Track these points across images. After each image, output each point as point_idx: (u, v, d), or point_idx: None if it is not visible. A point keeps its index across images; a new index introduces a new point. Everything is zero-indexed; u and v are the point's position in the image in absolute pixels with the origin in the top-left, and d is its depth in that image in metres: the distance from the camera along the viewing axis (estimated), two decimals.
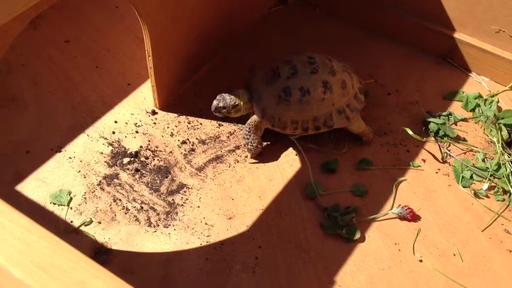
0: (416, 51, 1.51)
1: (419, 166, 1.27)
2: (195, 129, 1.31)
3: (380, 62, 1.49)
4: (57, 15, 1.54)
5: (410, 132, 1.25)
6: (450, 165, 1.27)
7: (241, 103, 1.22)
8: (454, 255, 1.12)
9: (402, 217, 1.16)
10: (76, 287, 0.49)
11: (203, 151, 1.27)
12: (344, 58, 1.48)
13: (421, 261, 1.11)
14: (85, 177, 1.20)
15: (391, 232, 1.15)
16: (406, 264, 1.10)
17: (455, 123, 1.35)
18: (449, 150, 1.29)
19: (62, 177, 1.19)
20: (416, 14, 1.47)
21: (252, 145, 1.23)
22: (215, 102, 1.23)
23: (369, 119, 1.34)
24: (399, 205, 1.18)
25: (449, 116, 1.36)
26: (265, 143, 1.28)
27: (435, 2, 1.43)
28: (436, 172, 1.26)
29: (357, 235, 1.12)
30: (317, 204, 1.18)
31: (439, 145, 1.30)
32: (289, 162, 1.26)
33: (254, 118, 1.23)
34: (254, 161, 1.25)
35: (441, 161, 1.28)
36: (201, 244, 1.11)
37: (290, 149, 1.28)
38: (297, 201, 1.19)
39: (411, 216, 1.16)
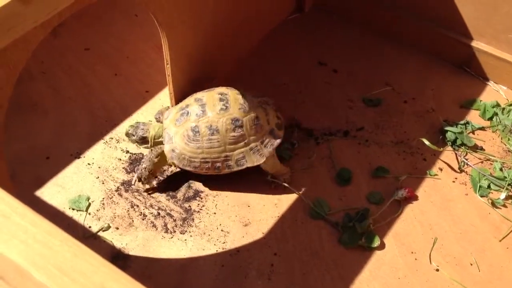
0: (434, 59, 1.51)
1: (436, 175, 1.26)
2: None
3: (397, 70, 1.49)
4: (77, 23, 1.56)
5: (427, 143, 1.25)
6: (467, 174, 1.26)
7: (151, 137, 1.21)
8: (471, 264, 1.11)
9: (403, 199, 1.19)
10: None
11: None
12: (360, 65, 1.49)
13: (437, 270, 1.10)
14: (103, 183, 1.21)
15: (407, 241, 1.14)
16: (423, 273, 1.10)
17: (473, 132, 1.34)
18: (466, 159, 1.28)
19: (81, 183, 1.21)
20: (433, 22, 1.47)
21: (142, 174, 1.19)
22: (127, 128, 1.23)
23: (385, 127, 1.35)
24: (398, 188, 1.20)
25: (467, 124, 1.35)
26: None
27: (453, 10, 1.43)
28: (453, 181, 1.25)
29: (377, 242, 1.12)
30: (327, 221, 1.17)
31: (456, 154, 1.30)
32: (305, 169, 1.26)
33: (158, 151, 1.19)
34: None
35: (458, 170, 1.27)
36: (217, 250, 1.12)
37: (307, 157, 1.28)
38: (313, 209, 1.19)
39: (411, 196, 1.19)
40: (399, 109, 1.40)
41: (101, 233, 1.13)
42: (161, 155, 1.19)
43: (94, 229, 1.14)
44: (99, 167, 1.24)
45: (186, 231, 1.14)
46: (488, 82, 1.47)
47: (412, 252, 1.13)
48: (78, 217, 1.15)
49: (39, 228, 0.54)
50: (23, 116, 1.34)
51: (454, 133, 1.32)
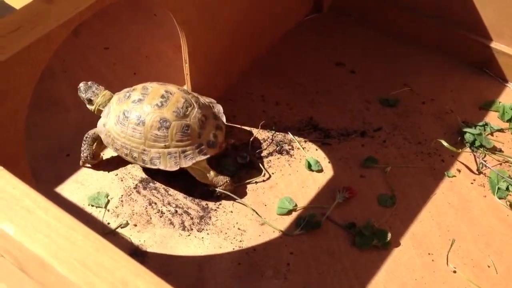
0: (452, 60, 1.50)
1: (454, 176, 1.25)
2: (228, 135, 1.33)
3: (415, 71, 1.48)
4: (97, 23, 1.58)
5: (445, 144, 1.24)
6: (485, 176, 1.25)
7: (97, 103, 1.22)
8: (489, 266, 1.11)
9: (345, 199, 1.19)
10: (118, 285, 0.51)
11: (236, 157, 1.28)
12: (378, 66, 1.49)
13: (455, 272, 1.10)
14: (122, 180, 1.23)
15: (424, 242, 1.14)
16: (440, 274, 1.09)
17: (491, 134, 1.33)
18: (485, 161, 1.27)
19: (100, 180, 1.23)
20: (453, 23, 1.47)
21: (83, 154, 1.22)
22: (81, 84, 1.24)
23: (402, 128, 1.34)
24: (339, 190, 1.20)
25: (485, 126, 1.34)
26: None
27: (472, 11, 1.42)
28: (472, 183, 1.24)
29: (389, 237, 1.12)
30: (335, 222, 1.17)
31: (474, 156, 1.29)
32: (322, 171, 1.26)
33: (94, 130, 1.21)
34: (288, 168, 1.26)
35: (476, 172, 1.26)
36: (233, 249, 1.12)
37: (324, 156, 1.29)
38: (329, 209, 1.19)
39: (351, 194, 1.19)
40: (417, 110, 1.39)
41: (119, 230, 1.14)
42: (98, 139, 1.21)
43: (113, 225, 1.15)
44: (118, 164, 1.26)
45: (203, 229, 1.15)
46: (507, 83, 1.45)
47: (429, 253, 1.12)
48: (97, 213, 1.17)
49: (62, 222, 0.55)
50: (44, 114, 1.35)
51: (473, 134, 1.31)
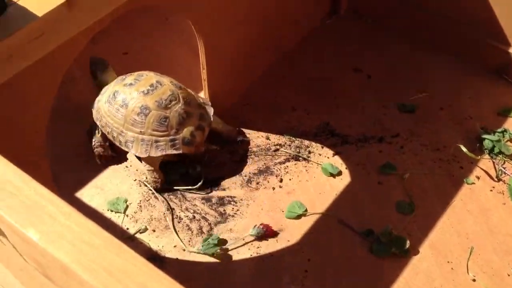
0: (471, 66, 1.49)
1: (473, 183, 1.24)
2: (214, 139, 1.32)
3: (433, 76, 1.47)
4: (115, 28, 1.60)
5: (464, 149, 1.24)
6: (505, 183, 1.24)
7: (100, 80, 1.29)
8: (509, 275, 1.09)
9: (261, 237, 1.14)
10: None
11: (253, 163, 1.29)
12: (395, 71, 1.48)
13: (474, 280, 1.09)
14: (140, 186, 1.24)
15: (443, 250, 1.13)
16: (459, 283, 1.08)
17: (510, 140, 1.32)
18: (504, 168, 1.26)
19: (119, 185, 1.24)
20: (471, 28, 1.45)
21: (94, 146, 1.26)
22: (92, 57, 1.31)
23: (420, 134, 1.34)
24: (255, 225, 1.15)
25: (504, 132, 1.33)
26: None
27: (490, 16, 1.41)
28: (491, 190, 1.23)
29: (407, 244, 1.11)
30: (352, 228, 1.17)
31: (493, 163, 1.28)
32: (340, 177, 1.26)
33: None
34: (305, 174, 1.26)
35: (495, 179, 1.25)
36: (251, 255, 1.12)
37: (341, 162, 1.28)
38: (346, 215, 1.19)
39: (269, 233, 1.15)
40: (435, 116, 1.38)
41: (138, 235, 1.15)
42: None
43: (132, 231, 1.16)
44: (137, 170, 1.27)
45: (221, 235, 1.15)
46: None
47: (448, 262, 1.11)
48: (116, 218, 1.18)
49: (84, 228, 0.56)
50: (64, 119, 1.37)
51: (492, 141, 1.30)
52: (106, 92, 1.23)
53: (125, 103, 1.18)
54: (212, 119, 1.25)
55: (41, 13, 0.81)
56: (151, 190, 1.22)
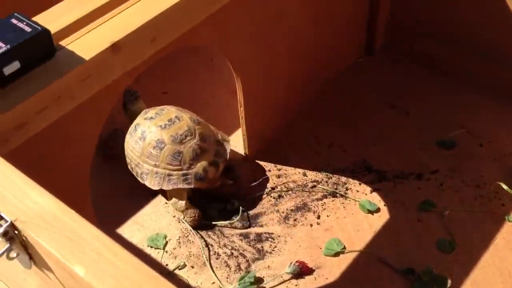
0: (509, 103, 1.47)
1: None
2: (282, 177, 1.34)
3: (472, 112, 1.46)
4: (155, 68, 1.64)
5: (505, 187, 1.21)
6: None
7: (130, 112, 1.33)
8: None
9: (297, 274, 1.13)
10: None
11: (290, 199, 1.29)
12: (433, 107, 1.47)
13: None
14: (179, 222, 1.25)
15: None
16: None
17: None
18: None
19: (159, 221, 1.26)
20: (509, 65, 1.44)
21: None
22: (127, 89, 1.33)
23: (460, 171, 1.32)
24: (291, 262, 1.14)
25: None
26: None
27: None
28: None
29: (449, 283, 1.09)
30: (392, 267, 1.15)
31: None
32: (378, 214, 1.25)
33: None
34: (342, 210, 1.26)
35: None
36: None
37: (379, 199, 1.28)
38: (385, 253, 1.17)
39: (305, 270, 1.14)
40: (474, 152, 1.36)
41: (177, 271, 1.16)
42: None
43: (171, 267, 1.17)
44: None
45: (258, 272, 1.15)
46: None
47: None
48: (156, 254, 1.20)
49: (129, 264, 0.57)
50: (106, 157, 1.41)
51: None
52: (132, 124, 1.29)
53: (144, 136, 1.22)
54: (228, 156, 1.28)
55: (88, 56, 0.85)
56: (191, 227, 1.24)
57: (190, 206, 1.24)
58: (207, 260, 1.18)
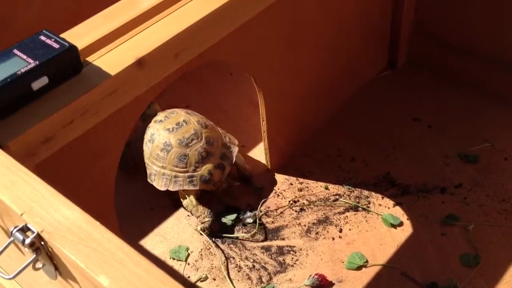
0: None
1: None
2: (304, 190, 1.34)
3: (495, 126, 1.45)
4: (179, 83, 1.67)
5: None
6: None
7: (145, 113, 1.33)
8: None
9: (315, 287, 1.14)
10: None
11: (312, 212, 1.29)
12: (456, 121, 1.46)
13: None
14: (201, 234, 1.26)
15: None
16: None
17: None
18: None
19: (181, 233, 1.27)
20: None
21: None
22: (156, 104, 1.37)
23: (484, 185, 1.30)
24: (310, 275, 1.15)
25: None
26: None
27: None
28: None
29: None
30: (415, 281, 1.14)
31: None
32: (401, 228, 1.24)
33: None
34: (365, 224, 1.25)
35: None
36: None
37: (402, 213, 1.27)
38: (408, 267, 1.16)
39: (324, 283, 1.14)
40: (499, 166, 1.35)
41: (199, 283, 1.17)
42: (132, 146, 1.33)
43: (193, 279, 1.18)
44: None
45: (280, 285, 1.15)
46: None
47: None
48: (178, 267, 1.21)
49: (152, 276, 0.58)
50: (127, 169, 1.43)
51: None
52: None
53: (152, 138, 1.28)
54: (234, 159, 1.31)
55: (113, 72, 0.87)
56: (211, 239, 1.25)
57: (199, 204, 1.27)
58: (226, 272, 1.18)
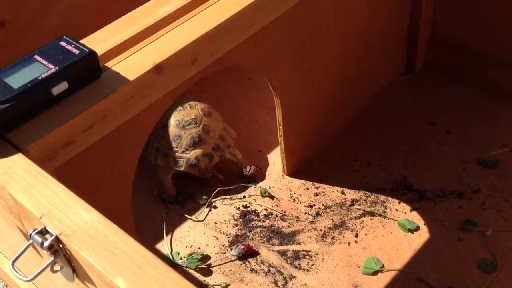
0: None
1: None
2: (320, 195, 1.34)
3: None
4: (196, 88, 1.68)
5: None
6: None
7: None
8: None
9: (242, 256, 1.21)
10: None
11: (328, 217, 1.29)
12: (474, 126, 1.45)
13: None
14: (217, 239, 1.27)
15: None
16: None
17: None
18: None
19: (197, 237, 1.28)
20: None
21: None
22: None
23: (503, 190, 1.29)
24: (237, 246, 1.22)
25: None
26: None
27: None
28: None
29: None
30: (432, 287, 1.13)
31: None
32: (418, 232, 1.24)
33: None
34: (381, 229, 1.25)
35: None
36: None
37: (419, 218, 1.26)
38: (425, 272, 1.16)
39: (249, 251, 1.21)
40: None
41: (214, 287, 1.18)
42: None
43: (209, 282, 1.19)
44: (215, 223, 1.30)
45: None
46: None
47: None
48: (194, 270, 1.21)
49: (169, 279, 0.59)
50: (145, 173, 1.44)
51: None
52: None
53: (167, 124, 1.34)
54: (226, 153, 1.36)
55: (132, 77, 0.88)
56: (228, 244, 1.25)
57: (171, 185, 1.35)
58: (241, 276, 1.18)
